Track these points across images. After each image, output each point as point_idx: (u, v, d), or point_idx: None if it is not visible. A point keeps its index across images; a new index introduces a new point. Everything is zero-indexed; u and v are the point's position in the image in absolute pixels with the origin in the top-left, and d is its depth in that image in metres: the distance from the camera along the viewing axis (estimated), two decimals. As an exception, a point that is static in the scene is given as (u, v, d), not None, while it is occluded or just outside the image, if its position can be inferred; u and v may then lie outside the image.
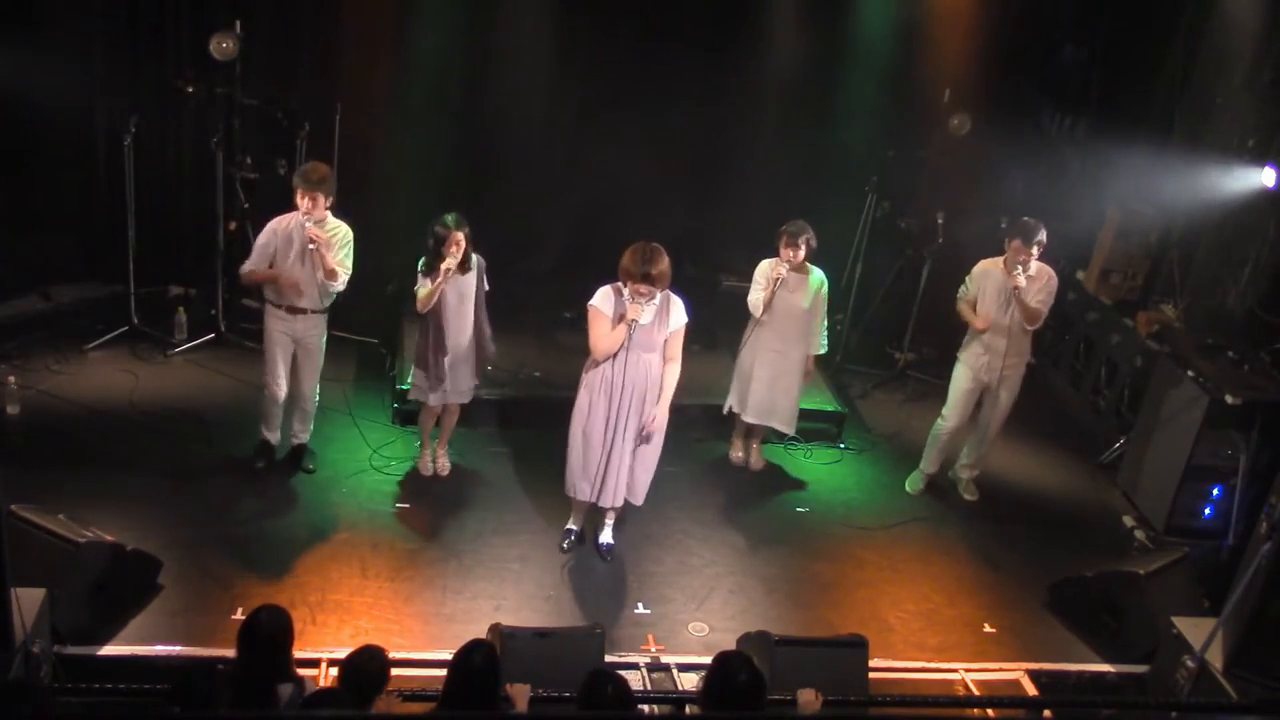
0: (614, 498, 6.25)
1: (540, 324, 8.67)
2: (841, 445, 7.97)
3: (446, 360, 6.59)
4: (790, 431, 7.48)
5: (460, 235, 6.32)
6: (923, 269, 8.67)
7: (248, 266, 6.55)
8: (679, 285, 6.11)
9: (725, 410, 7.42)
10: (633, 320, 5.90)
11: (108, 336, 8.10)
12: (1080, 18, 9.51)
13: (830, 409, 8.06)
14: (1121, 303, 8.73)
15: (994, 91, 9.13)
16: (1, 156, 8.08)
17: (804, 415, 7.93)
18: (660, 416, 6.14)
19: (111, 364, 7.89)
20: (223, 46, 7.71)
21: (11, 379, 7.25)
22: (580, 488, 6.27)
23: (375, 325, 8.41)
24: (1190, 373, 7.19)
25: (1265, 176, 7.35)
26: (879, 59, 9.14)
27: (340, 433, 7.37)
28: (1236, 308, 7.78)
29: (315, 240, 6.33)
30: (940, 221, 8.58)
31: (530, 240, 9.45)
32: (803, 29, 9.09)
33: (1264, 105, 7.69)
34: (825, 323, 7.16)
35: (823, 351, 7.30)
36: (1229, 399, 6.88)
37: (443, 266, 6.29)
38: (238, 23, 7.77)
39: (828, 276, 7.11)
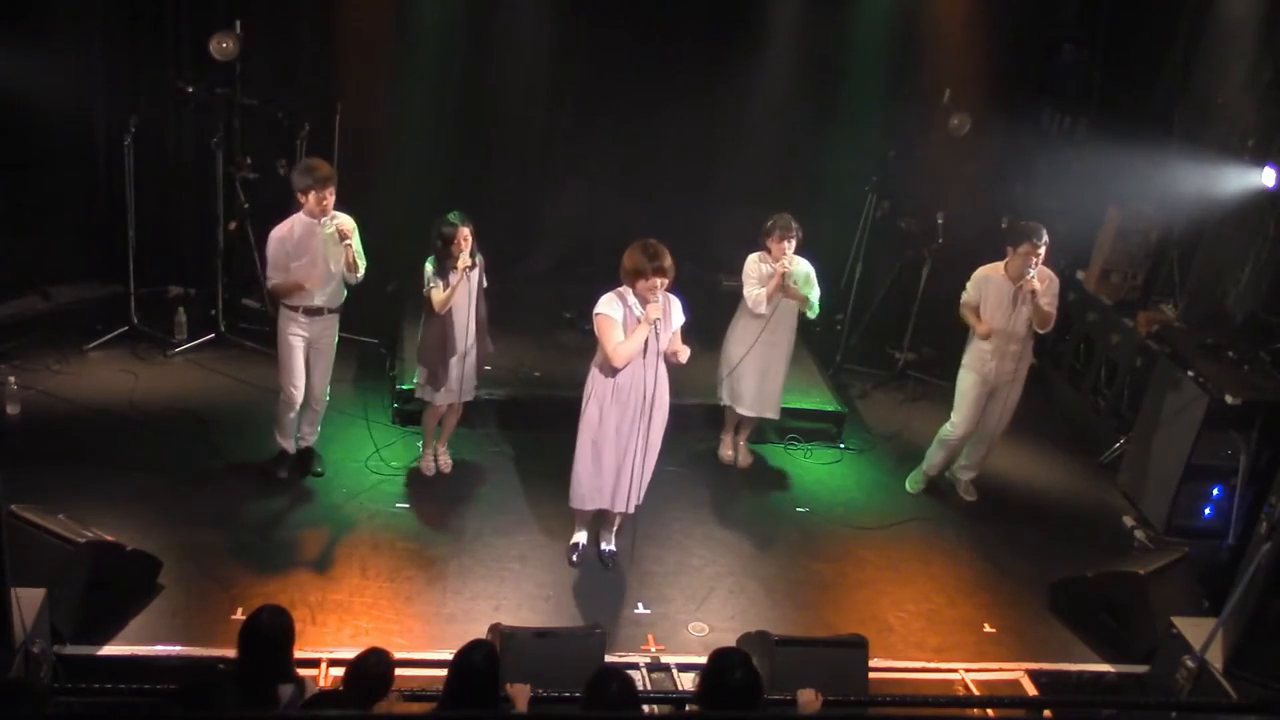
0: (627, 504, 6.16)
1: (540, 324, 8.67)
2: (841, 445, 7.97)
3: (455, 359, 6.59)
4: (775, 416, 7.47)
5: (468, 230, 6.31)
6: (923, 269, 8.66)
7: (274, 280, 6.40)
8: (679, 285, 6.09)
9: (720, 400, 7.38)
10: (656, 320, 5.75)
11: (108, 336, 8.10)
12: (1080, 18, 9.51)
13: (830, 409, 8.05)
14: (1121, 303, 8.72)
15: (994, 91, 9.13)
16: (1, 156, 8.07)
17: (804, 415, 7.97)
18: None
19: (111, 364, 7.89)
20: (223, 46, 7.72)
21: (11, 379, 7.25)
22: (590, 498, 6.17)
23: (375, 325, 8.39)
24: (1190, 373, 7.19)
25: (1265, 176, 7.34)
26: (879, 59, 9.14)
27: (341, 433, 7.37)
28: (1236, 308, 7.78)
29: (348, 236, 6.29)
30: (940, 221, 8.57)
31: (530, 240, 9.45)
32: (802, 28, 9.09)
33: (1264, 105, 7.68)
34: (818, 292, 7.10)
35: (815, 314, 7.18)
36: (1229, 399, 6.88)
37: (460, 265, 6.28)
38: (238, 23, 7.78)
39: (815, 269, 7.11)
